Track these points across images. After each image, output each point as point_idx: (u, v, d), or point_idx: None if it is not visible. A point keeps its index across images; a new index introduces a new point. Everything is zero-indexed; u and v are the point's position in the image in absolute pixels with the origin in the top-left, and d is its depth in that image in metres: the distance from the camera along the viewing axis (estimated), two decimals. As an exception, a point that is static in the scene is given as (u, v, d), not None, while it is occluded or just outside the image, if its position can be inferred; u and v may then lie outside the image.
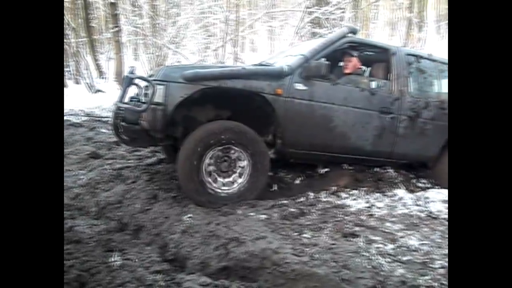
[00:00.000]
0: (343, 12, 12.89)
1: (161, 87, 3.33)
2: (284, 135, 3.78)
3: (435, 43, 19.59)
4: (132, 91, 3.94)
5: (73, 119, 8.89)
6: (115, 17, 13.05)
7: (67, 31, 16.71)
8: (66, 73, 17.02)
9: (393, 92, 4.21)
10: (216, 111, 3.78)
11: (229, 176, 3.57)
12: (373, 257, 2.55)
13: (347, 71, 4.34)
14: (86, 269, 2.52)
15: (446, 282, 2.28)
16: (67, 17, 17.50)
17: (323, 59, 3.75)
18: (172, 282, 2.36)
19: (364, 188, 3.94)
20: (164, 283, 2.36)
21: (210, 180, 3.48)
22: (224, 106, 3.78)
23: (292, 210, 3.30)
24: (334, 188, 3.91)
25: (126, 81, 3.75)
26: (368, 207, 3.56)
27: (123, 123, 3.75)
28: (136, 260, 2.67)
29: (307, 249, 2.60)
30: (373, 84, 4.22)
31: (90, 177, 4.51)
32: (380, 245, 2.75)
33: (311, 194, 3.74)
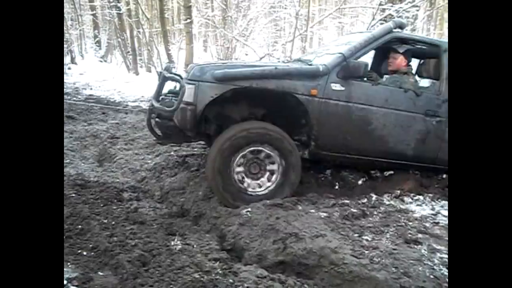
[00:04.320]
0: (417, 10, 12.39)
1: (191, 86, 3.32)
2: (318, 137, 3.63)
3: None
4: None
5: (144, 106, 9.26)
6: (188, 9, 13.34)
7: (142, 21, 17.44)
8: (138, 61, 17.77)
9: (441, 93, 3.89)
10: (250, 109, 3.68)
11: (260, 177, 3.51)
12: (436, 267, 2.44)
13: (392, 69, 4.12)
14: (148, 249, 2.63)
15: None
16: (142, 7, 18.23)
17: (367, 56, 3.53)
18: (229, 271, 2.39)
19: (430, 194, 3.77)
20: (221, 271, 2.40)
21: (239, 182, 3.44)
22: (258, 104, 3.69)
23: (354, 210, 3.23)
24: (398, 191, 3.77)
25: (161, 78, 3.75)
26: (433, 214, 3.40)
27: (157, 119, 3.78)
28: (196, 246, 2.75)
29: (367, 251, 2.53)
30: (420, 84, 3.97)
31: (156, 162, 4.69)
32: (444, 255, 2.62)
33: (374, 196, 3.64)
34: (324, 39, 28.23)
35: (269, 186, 3.50)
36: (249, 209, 3.13)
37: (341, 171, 4.06)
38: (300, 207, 3.22)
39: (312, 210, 3.17)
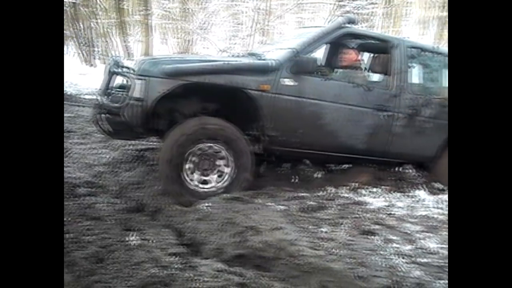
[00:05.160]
0: (375, 7, 12.69)
1: (140, 82, 3.25)
2: (270, 132, 3.63)
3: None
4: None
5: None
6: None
7: (98, 11, 16.91)
8: (94, 53, 17.23)
9: (391, 88, 4.00)
10: (202, 104, 3.62)
11: (210, 173, 3.47)
12: (390, 257, 2.52)
13: (343, 64, 4.16)
14: (104, 245, 2.56)
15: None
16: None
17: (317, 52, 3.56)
18: (187, 266, 2.38)
19: (385, 187, 3.89)
20: (179, 265, 2.38)
21: (190, 179, 3.40)
22: (210, 100, 3.63)
23: (311, 203, 3.29)
24: (354, 184, 3.87)
25: (108, 74, 3.62)
26: (388, 206, 3.52)
27: (107, 115, 3.68)
28: (153, 241, 2.70)
29: (324, 243, 2.59)
30: (370, 79, 4.06)
31: (112, 156, 4.58)
32: (398, 245, 2.72)
33: (331, 189, 3.71)
34: (284, 34, 28.44)
35: (220, 182, 3.47)
36: (208, 204, 3.11)
37: (299, 164, 4.10)
38: (258, 201, 3.24)
39: (270, 203, 3.20)
